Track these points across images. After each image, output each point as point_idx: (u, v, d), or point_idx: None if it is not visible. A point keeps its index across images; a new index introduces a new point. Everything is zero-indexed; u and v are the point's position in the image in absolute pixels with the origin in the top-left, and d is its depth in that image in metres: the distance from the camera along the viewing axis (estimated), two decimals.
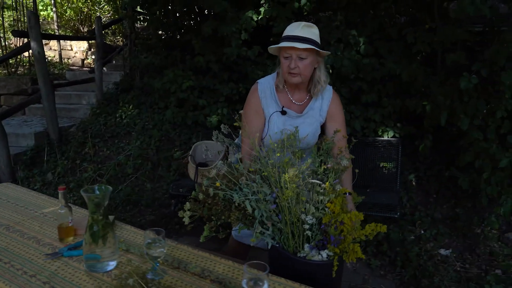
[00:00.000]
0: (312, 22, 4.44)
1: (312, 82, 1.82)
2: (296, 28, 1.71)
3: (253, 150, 1.63)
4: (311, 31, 1.72)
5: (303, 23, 1.72)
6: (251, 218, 1.56)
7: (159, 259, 1.30)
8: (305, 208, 1.52)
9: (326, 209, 1.53)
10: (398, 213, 3.00)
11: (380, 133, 3.74)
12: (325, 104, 1.88)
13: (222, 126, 1.75)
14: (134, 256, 1.45)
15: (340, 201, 1.53)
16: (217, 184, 1.54)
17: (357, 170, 1.80)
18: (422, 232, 3.48)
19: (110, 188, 1.32)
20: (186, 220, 1.46)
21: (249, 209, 1.50)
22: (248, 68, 4.31)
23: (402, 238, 3.31)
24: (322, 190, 1.55)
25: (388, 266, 3.10)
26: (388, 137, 3.68)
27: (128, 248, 1.49)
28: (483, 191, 3.03)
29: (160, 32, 5.63)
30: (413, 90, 3.52)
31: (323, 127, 1.98)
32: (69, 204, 1.59)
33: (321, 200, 1.57)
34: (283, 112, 1.82)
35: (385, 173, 3.55)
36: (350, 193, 1.80)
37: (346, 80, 3.77)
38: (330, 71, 3.80)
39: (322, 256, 1.50)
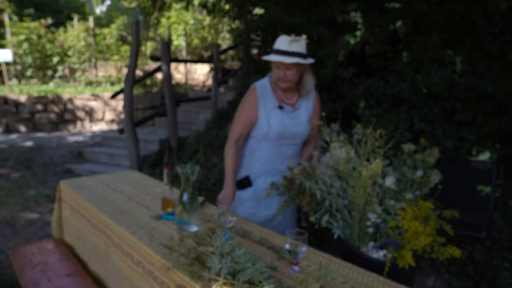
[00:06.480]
0: (406, 43, 4.43)
1: (302, 84, 2.11)
2: (284, 43, 1.95)
3: (240, 139, 2.13)
4: (298, 44, 1.95)
5: (291, 38, 1.95)
6: (320, 206, 1.83)
7: (229, 225, 1.68)
8: (372, 208, 1.69)
9: (398, 216, 1.67)
10: (484, 234, 2.90)
11: (474, 154, 3.62)
12: (310, 102, 2.20)
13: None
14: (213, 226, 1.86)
15: (412, 212, 1.64)
16: (294, 171, 1.87)
17: (440, 187, 1.85)
18: None
19: (198, 167, 1.75)
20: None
21: (318, 196, 1.78)
22: (345, 88, 4.54)
23: (495, 263, 3.15)
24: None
25: None
26: (483, 158, 3.54)
27: (209, 219, 1.91)
28: None
29: None
30: (510, 108, 3.37)
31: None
32: (171, 184, 2.09)
33: (392, 205, 1.74)
34: (281, 107, 2.09)
35: (478, 195, 3.42)
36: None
37: (439, 99, 3.76)
38: (424, 90, 3.83)
39: (379, 254, 1.67)
